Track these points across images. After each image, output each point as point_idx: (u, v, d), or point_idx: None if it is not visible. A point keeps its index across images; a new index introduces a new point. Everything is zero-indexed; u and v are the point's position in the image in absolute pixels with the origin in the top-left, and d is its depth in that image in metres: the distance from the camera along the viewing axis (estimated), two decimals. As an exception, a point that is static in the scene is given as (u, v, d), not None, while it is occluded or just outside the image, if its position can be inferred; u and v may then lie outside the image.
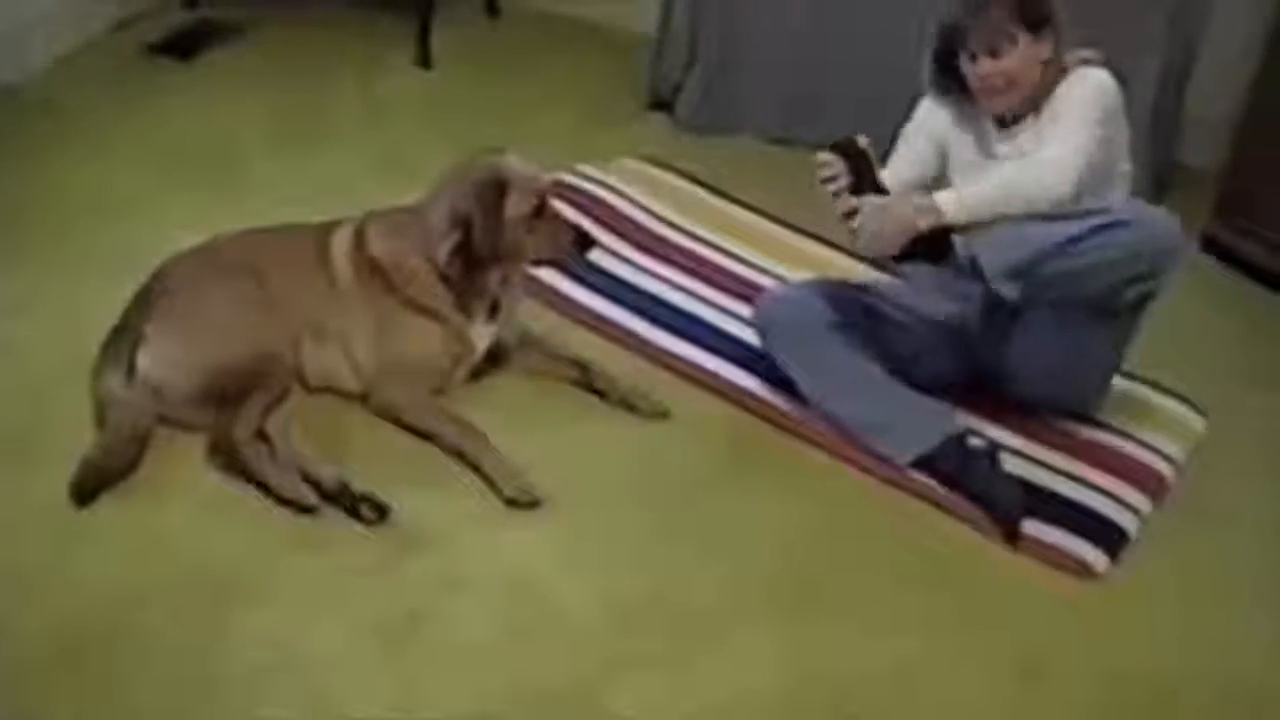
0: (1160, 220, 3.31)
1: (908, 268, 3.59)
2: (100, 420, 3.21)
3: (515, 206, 3.41)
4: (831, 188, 3.35)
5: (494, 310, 3.53)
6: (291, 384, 3.36)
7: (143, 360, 3.24)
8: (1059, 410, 3.67)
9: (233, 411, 3.22)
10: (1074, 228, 3.23)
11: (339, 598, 2.93)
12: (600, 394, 3.59)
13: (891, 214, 3.29)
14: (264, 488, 3.14)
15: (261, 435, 3.25)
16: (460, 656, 2.83)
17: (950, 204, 3.28)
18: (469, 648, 2.85)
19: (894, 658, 2.95)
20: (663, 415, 3.55)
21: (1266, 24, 4.49)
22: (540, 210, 3.44)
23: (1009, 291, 3.31)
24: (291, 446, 3.25)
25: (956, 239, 3.31)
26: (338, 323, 3.44)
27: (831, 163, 3.36)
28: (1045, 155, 3.29)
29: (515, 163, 3.48)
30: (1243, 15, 4.74)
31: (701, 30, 5.00)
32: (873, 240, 3.30)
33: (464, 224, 3.38)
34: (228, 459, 3.19)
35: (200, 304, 3.33)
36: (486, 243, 3.38)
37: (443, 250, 3.40)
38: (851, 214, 3.31)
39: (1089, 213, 3.25)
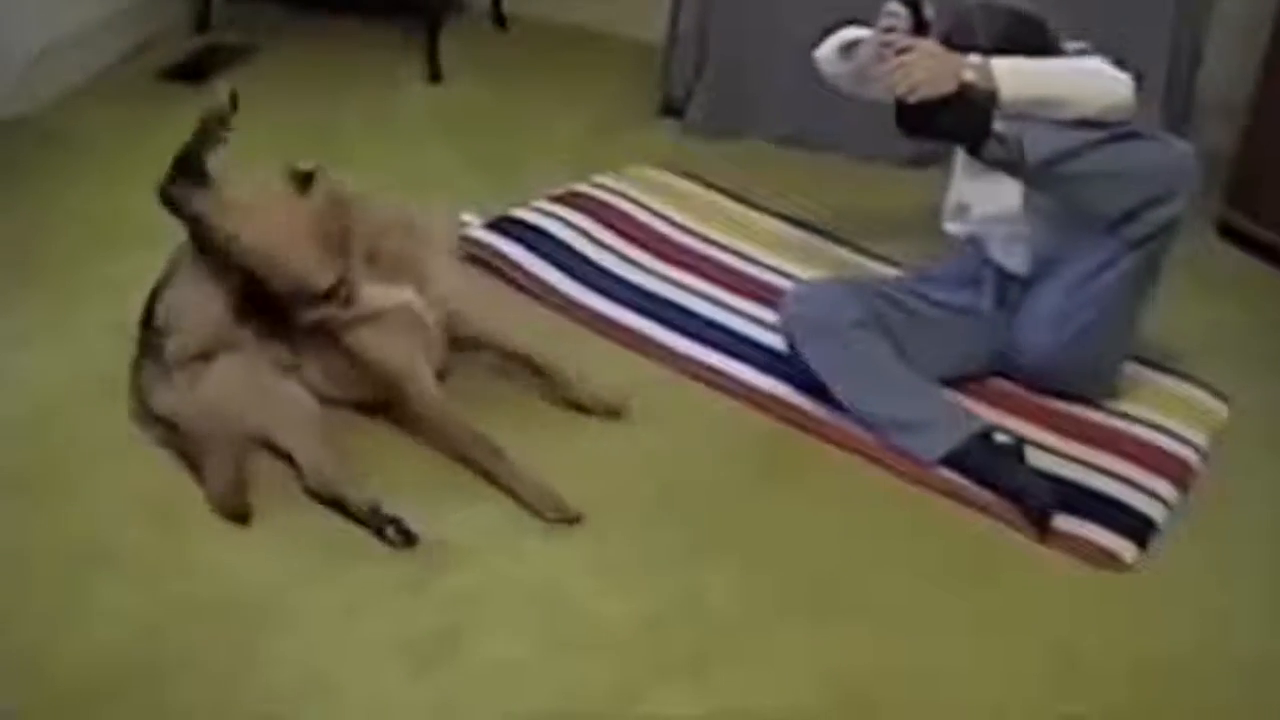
0: (1177, 142, 3.39)
1: (907, 276, 3.60)
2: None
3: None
4: (890, 36, 3.39)
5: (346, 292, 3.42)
6: None
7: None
8: (1075, 392, 3.68)
9: None
10: (1102, 132, 3.28)
11: (371, 618, 2.94)
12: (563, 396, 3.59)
13: (944, 55, 3.32)
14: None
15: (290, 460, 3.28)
16: (494, 673, 2.83)
17: (1003, 67, 3.29)
18: (502, 664, 2.85)
19: (929, 658, 2.95)
20: (615, 414, 3.57)
21: (1276, 4, 4.48)
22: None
23: (1040, 178, 3.36)
24: (333, 466, 3.25)
25: (999, 123, 3.31)
26: None
27: (899, 14, 3.41)
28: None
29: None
30: (1251, -3, 4.74)
31: (710, 35, 5.01)
32: (922, 76, 3.29)
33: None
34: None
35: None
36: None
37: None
38: (904, 51, 3.34)
39: (1114, 124, 3.31)
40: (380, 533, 3.10)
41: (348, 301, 3.36)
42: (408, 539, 3.09)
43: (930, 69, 3.31)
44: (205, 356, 3.32)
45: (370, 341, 3.39)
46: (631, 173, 4.63)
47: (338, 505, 3.16)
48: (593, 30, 5.76)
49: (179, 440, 3.26)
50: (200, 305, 3.33)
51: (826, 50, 3.75)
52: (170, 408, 3.28)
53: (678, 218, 4.42)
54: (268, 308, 3.36)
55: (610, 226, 4.27)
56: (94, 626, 2.87)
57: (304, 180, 3.40)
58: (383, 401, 3.45)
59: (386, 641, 2.88)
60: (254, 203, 3.34)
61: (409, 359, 3.41)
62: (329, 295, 3.34)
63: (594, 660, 2.88)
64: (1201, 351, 3.94)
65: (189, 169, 3.33)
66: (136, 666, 2.79)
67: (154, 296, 3.41)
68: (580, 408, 3.56)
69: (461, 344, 3.59)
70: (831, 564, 3.19)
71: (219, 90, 3.41)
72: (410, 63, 5.38)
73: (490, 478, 3.30)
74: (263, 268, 3.29)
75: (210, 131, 3.35)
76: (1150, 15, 4.58)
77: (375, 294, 3.41)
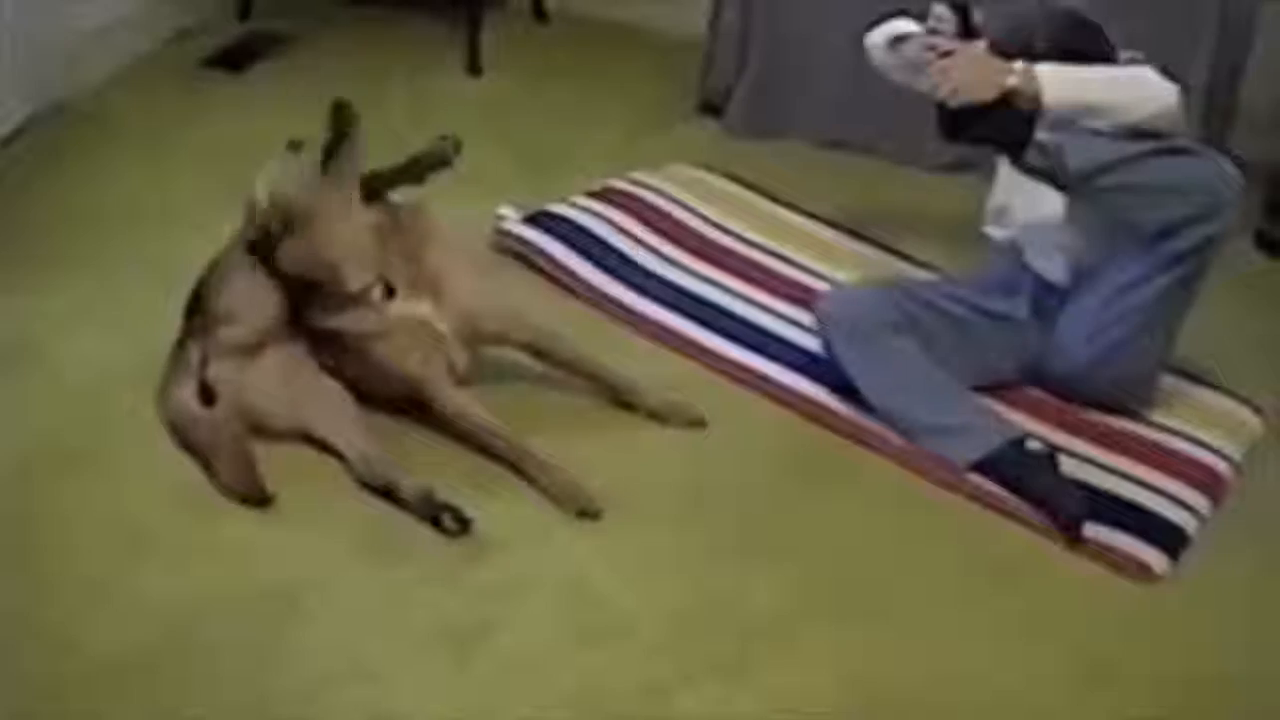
0: (1221, 161, 3.37)
1: (944, 280, 3.59)
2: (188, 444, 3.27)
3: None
4: (935, 40, 3.43)
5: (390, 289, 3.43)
6: None
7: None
8: (1109, 404, 3.67)
9: None
10: (1147, 145, 3.29)
11: (404, 607, 2.95)
12: (630, 407, 3.57)
13: (987, 61, 3.34)
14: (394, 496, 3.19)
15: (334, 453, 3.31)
16: (526, 665, 2.84)
17: (1047, 72, 3.30)
18: (535, 656, 2.86)
19: (956, 665, 2.95)
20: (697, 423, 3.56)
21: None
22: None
23: (1080, 185, 3.36)
24: (380, 456, 3.27)
25: (1041, 134, 3.32)
26: None
27: (946, 18, 3.44)
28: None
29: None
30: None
31: (751, 34, 5.01)
32: (963, 81, 3.32)
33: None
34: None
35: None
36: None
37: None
38: (947, 55, 3.36)
39: (1159, 137, 3.32)
40: (435, 521, 3.11)
41: (379, 306, 3.39)
42: (464, 525, 3.10)
43: (972, 74, 3.31)
44: (256, 348, 3.33)
45: (389, 353, 3.40)
46: (669, 170, 4.63)
47: (388, 494, 3.18)
48: (634, 26, 5.76)
49: (185, 440, 3.28)
50: (263, 298, 3.35)
51: (876, 39, 3.75)
52: (174, 411, 3.30)
53: (714, 216, 4.42)
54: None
55: (647, 223, 4.28)
56: (131, 606, 2.89)
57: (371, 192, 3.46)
58: (408, 404, 3.46)
59: (419, 633, 2.89)
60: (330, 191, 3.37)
61: (426, 366, 3.43)
62: (361, 296, 3.37)
63: (624, 655, 2.88)
64: (1237, 363, 3.93)
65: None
66: (171, 646, 2.81)
67: (202, 284, 3.43)
68: (653, 416, 3.56)
69: (486, 340, 3.59)
70: (861, 567, 3.18)
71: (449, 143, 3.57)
72: (450, 55, 5.39)
73: (518, 471, 3.31)
74: (314, 243, 3.32)
75: (427, 164, 3.53)
76: (1193, 27, 4.56)
77: (397, 307, 3.42)
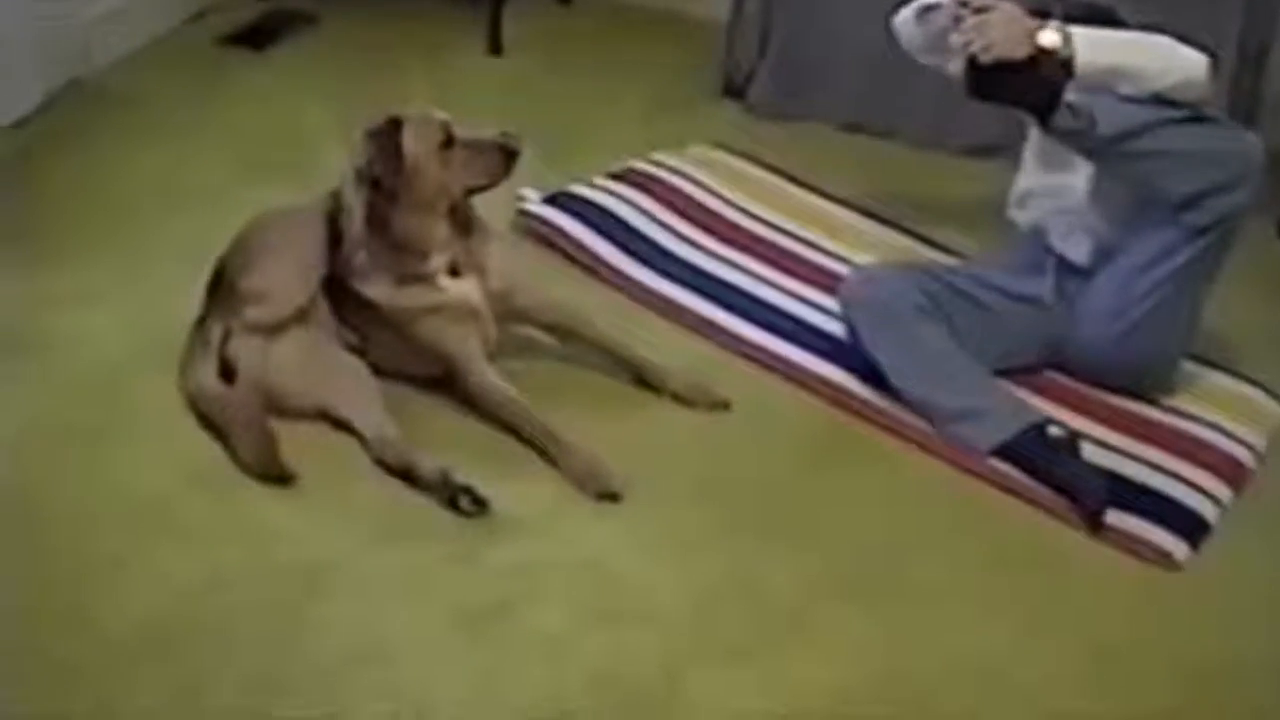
0: (1245, 132, 3.40)
1: (967, 263, 3.57)
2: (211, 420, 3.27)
3: (417, 141, 3.32)
4: None
5: (455, 270, 3.46)
6: None
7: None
8: (1130, 387, 3.66)
9: None
10: (1174, 111, 3.29)
11: (422, 588, 2.95)
12: (653, 389, 3.57)
13: (1021, 18, 3.31)
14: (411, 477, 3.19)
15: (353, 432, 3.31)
16: (543, 646, 2.84)
17: (1080, 32, 3.29)
18: (552, 637, 2.86)
19: (976, 648, 2.94)
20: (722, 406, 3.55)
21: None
22: (449, 141, 3.37)
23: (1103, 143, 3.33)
24: (399, 436, 3.26)
25: (1070, 96, 3.29)
26: None
27: None
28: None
29: (409, 110, 3.41)
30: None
31: (773, 16, 4.99)
32: (998, 35, 3.28)
33: (369, 177, 3.33)
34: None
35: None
36: (393, 180, 3.30)
37: (356, 219, 3.37)
38: (981, 10, 3.34)
39: (1187, 105, 3.32)
40: (453, 501, 3.11)
41: (439, 284, 3.42)
42: (481, 506, 3.10)
43: (1006, 30, 3.29)
44: (279, 328, 3.32)
45: (431, 329, 3.41)
46: (691, 152, 4.62)
47: (406, 475, 3.18)
48: (656, 7, 5.75)
49: (205, 417, 3.28)
50: (294, 282, 3.35)
51: (904, 14, 3.74)
52: (195, 388, 3.30)
53: (736, 198, 4.40)
54: (339, 289, 3.41)
55: (668, 205, 4.27)
56: (150, 585, 2.90)
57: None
58: (436, 379, 3.46)
59: (437, 613, 2.89)
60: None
61: (464, 343, 3.43)
62: (429, 275, 3.40)
63: (641, 638, 2.88)
64: (1260, 351, 3.91)
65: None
66: (189, 626, 2.81)
67: (225, 261, 3.42)
68: (676, 398, 3.55)
69: (514, 318, 3.60)
70: (878, 553, 3.17)
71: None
72: (471, 35, 5.37)
73: (540, 451, 3.31)
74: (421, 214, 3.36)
75: (502, 154, 3.43)
76: (1217, 14, 4.54)
77: (451, 286, 3.43)
